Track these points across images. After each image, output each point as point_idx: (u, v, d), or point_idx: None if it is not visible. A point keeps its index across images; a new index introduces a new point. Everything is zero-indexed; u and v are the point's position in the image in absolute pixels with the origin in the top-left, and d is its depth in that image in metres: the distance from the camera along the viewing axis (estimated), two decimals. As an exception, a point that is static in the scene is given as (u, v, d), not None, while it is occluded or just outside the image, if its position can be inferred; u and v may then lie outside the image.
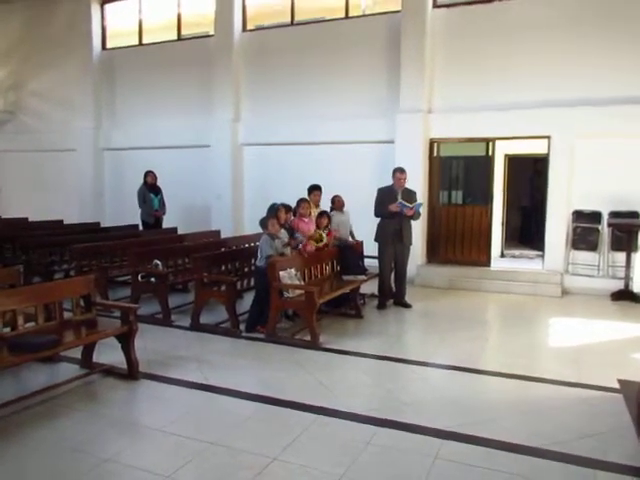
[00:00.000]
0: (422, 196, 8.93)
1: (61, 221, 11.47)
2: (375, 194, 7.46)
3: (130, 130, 12.37)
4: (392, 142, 9.57)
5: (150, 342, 5.76)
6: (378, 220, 7.50)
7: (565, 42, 8.52)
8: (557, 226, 8.70)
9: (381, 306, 7.54)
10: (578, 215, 8.62)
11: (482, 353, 5.68)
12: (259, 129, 10.97)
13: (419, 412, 4.10)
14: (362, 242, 7.85)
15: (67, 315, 4.86)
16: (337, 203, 7.69)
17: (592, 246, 8.53)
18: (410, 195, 7.45)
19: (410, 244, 7.58)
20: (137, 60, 12.28)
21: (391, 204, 7.17)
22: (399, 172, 7.38)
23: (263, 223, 6.29)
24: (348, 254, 7.37)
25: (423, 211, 9.01)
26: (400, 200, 7.17)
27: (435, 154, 9.58)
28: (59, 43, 13.00)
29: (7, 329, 4.35)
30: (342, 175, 9.97)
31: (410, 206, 7.19)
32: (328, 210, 7.50)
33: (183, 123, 11.66)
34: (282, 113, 10.75)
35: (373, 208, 7.40)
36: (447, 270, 9.19)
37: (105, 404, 4.23)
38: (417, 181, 8.98)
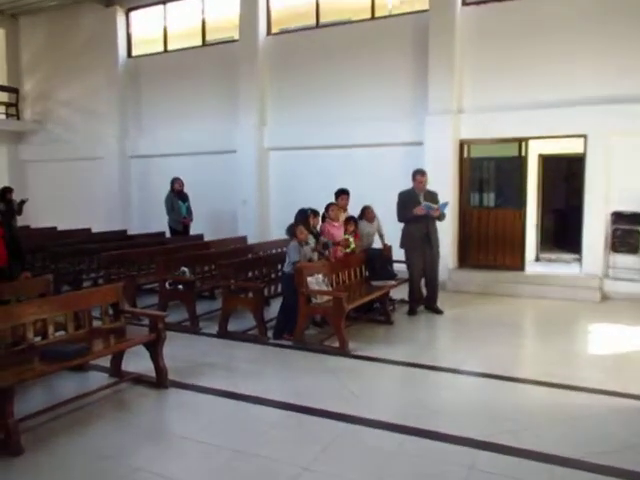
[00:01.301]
0: (452, 199, 8.90)
1: (89, 229, 11.70)
2: (396, 199, 7.45)
3: (156, 137, 12.56)
4: (420, 144, 9.57)
5: (178, 350, 5.82)
6: (402, 225, 7.51)
7: (600, 38, 8.39)
8: (595, 228, 8.57)
9: (412, 312, 7.52)
10: (618, 217, 8.45)
11: (517, 360, 5.63)
12: (285, 133, 11.04)
13: (451, 421, 4.07)
14: (391, 247, 7.86)
15: (96, 323, 4.94)
16: (368, 215, 7.64)
17: (633, 249, 8.36)
18: (432, 196, 7.42)
19: (439, 248, 7.55)
20: (162, 67, 12.46)
21: (415, 207, 7.15)
22: (419, 175, 7.35)
23: (291, 231, 6.32)
24: (376, 259, 7.37)
25: (453, 213, 9.01)
26: (424, 202, 7.13)
27: (465, 155, 9.55)
28: (85, 52, 13.30)
29: (38, 338, 4.43)
30: (369, 178, 10.01)
31: (435, 207, 7.16)
32: (356, 217, 7.52)
33: (209, 129, 11.79)
34: (308, 117, 10.81)
35: (396, 213, 7.39)
36: (480, 275, 9.15)
37: (134, 412, 4.29)
38: (447, 183, 9.00)
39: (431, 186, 7.53)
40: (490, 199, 9.65)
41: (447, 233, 8.23)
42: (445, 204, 7.35)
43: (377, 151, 10.15)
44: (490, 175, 9.66)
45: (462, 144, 9.49)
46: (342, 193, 7.57)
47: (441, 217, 7.34)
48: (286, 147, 11.09)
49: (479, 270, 9.32)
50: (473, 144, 9.51)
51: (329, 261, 6.64)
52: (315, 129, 10.64)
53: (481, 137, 9.32)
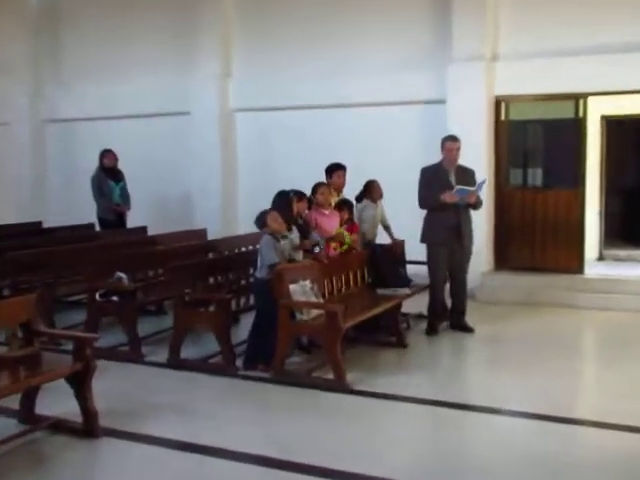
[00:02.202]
0: (486, 177, 8.78)
1: (-11, 220, 11.55)
2: (418, 177, 7.49)
3: (81, 95, 12.42)
4: (442, 102, 9.59)
5: (114, 385, 5.73)
6: (423, 213, 7.54)
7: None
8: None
9: (432, 330, 7.57)
10: None
11: (575, 395, 5.67)
12: (258, 88, 10.98)
13: (490, 478, 4.05)
14: (403, 242, 7.86)
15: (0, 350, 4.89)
16: (375, 192, 7.71)
17: None
18: (466, 175, 7.46)
19: (472, 244, 7.60)
20: (90, 4, 12.32)
21: (442, 191, 7.17)
22: (450, 141, 7.39)
23: (260, 219, 6.33)
24: (384, 259, 7.39)
25: (487, 197, 8.94)
26: (458, 187, 7.13)
27: (502, 117, 9.58)
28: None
29: None
30: (374, 150, 9.99)
31: (471, 190, 7.18)
32: (353, 199, 7.55)
33: (152, 83, 11.71)
34: (291, 66, 10.75)
35: (417, 196, 7.42)
36: (523, 279, 9.20)
37: (52, 473, 4.20)
38: (477, 156, 8.93)
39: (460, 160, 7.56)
40: (536, 177, 9.70)
41: (478, 224, 8.17)
42: (482, 183, 7.39)
43: (385, 112, 10.11)
44: (536, 144, 9.69)
45: (498, 102, 9.49)
46: (337, 169, 7.56)
47: (477, 205, 7.42)
48: (260, 107, 11.03)
49: (522, 273, 9.36)
50: (513, 102, 9.51)
51: (319, 262, 6.64)
52: (301, 83, 10.59)
53: (524, 93, 9.32)
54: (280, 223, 6.25)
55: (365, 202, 7.69)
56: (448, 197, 7.13)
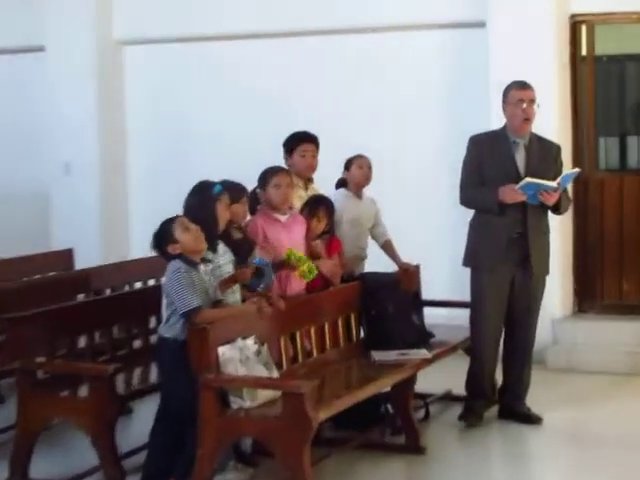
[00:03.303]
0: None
1: None
2: (462, 154, 7.07)
3: None
4: (481, 25, 9.31)
5: None
6: (469, 216, 7.24)
7: None
8: None
9: (471, 420, 7.15)
10: None
11: None
12: (162, 6, 10.77)
13: None
14: (418, 269, 7.67)
15: None
16: (358, 174, 7.41)
17: None
18: (547, 154, 7.04)
19: (546, 273, 7.22)
20: None
21: (503, 181, 6.77)
22: (518, 89, 6.93)
23: (161, 234, 5.81)
24: (384, 299, 7.01)
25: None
26: (527, 180, 6.65)
27: (584, 52, 9.25)
28: None
29: None
30: (367, 110, 9.75)
31: (551, 185, 6.67)
32: (332, 193, 7.37)
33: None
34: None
35: (458, 187, 7.03)
36: (625, 329, 8.81)
37: None
38: (542, 120, 8.24)
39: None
40: None
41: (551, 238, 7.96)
42: (570, 175, 7.02)
43: (389, 41, 9.92)
44: None
45: (576, 25, 9.15)
46: (302, 141, 7.13)
47: (562, 206, 6.99)
48: (165, 38, 10.82)
49: (624, 319, 8.98)
50: (601, 24, 9.20)
51: (270, 305, 6.09)
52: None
53: (620, 10, 8.92)
54: (197, 237, 5.68)
55: (343, 193, 7.34)
56: (511, 194, 6.64)
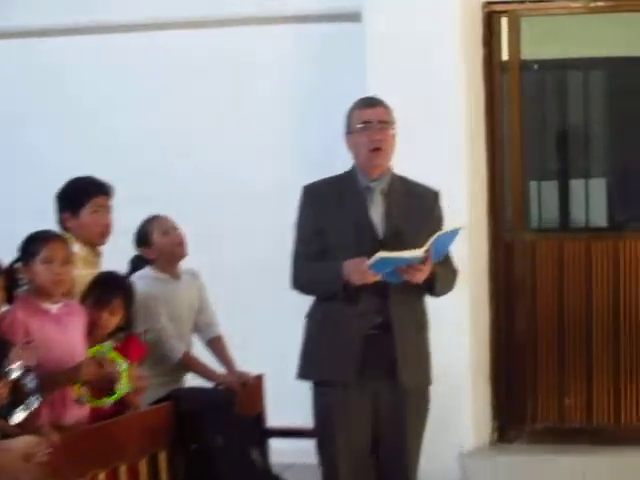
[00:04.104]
0: (465, 204, 7.75)
1: None
2: (297, 208, 6.12)
3: None
4: (354, 19, 8.53)
5: None
6: (308, 304, 6.19)
7: None
8: None
9: None
10: None
11: None
12: None
13: None
14: (261, 380, 6.78)
15: None
16: (165, 243, 6.61)
17: None
18: (417, 205, 5.99)
19: (427, 384, 5.99)
20: None
21: (357, 247, 5.65)
22: (361, 108, 5.92)
23: None
24: (210, 427, 6.21)
25: (474, 261, 7.93)
26: (380, 256, 5.54)
27: (505, 55, 8.22)
28: None
29: None
30: (183, 141, 8.99)
31: (418, 256, 5.51)
32: (127, 270, 6.61)
33: None
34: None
35: (291, 262, 5.99)
36: (567, 466, 7.74)
37: None
38: (441, 153, 7.78)
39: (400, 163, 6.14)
40: (594, 204, 8.54)
41: (452, 332, 7.25)
42: (450, 235, 5.79)
43: (221, 41, 9.01)
44: (593, 117, 8.74)
45: (492, 17, 8.10)
46: (97, 193, 6.27)
47: (438, 284, 5.84)
48: None
49: (566, 449, 7.88)
50: (530, 16, 8.22)
51: (41, 441, 4.91)
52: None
53: None
54: None
55: (150, 274, 6.50)
56: (358, 273, 5.47)
